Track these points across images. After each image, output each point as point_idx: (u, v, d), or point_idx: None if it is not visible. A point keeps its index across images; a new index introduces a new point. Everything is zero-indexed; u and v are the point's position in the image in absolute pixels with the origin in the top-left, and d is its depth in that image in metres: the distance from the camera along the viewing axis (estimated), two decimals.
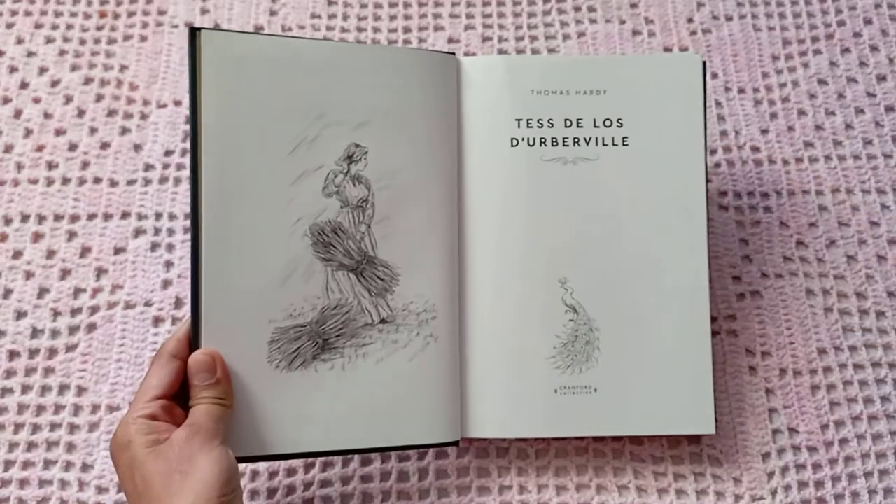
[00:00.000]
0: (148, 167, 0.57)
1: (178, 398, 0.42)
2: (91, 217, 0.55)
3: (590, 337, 0.48)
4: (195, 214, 0.42)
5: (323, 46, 0.47)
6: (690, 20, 0.62)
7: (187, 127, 0.58)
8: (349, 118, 0.46)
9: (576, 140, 0.49)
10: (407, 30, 0.62)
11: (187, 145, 0.57)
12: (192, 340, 0.42)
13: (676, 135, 0.49)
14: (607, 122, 0.49)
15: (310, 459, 0.49)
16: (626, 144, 0.49)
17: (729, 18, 0.62)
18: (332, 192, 0.45)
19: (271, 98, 0.45)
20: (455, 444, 0.47)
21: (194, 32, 0.43)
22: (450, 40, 0.61)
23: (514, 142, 0.49)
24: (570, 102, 0.49)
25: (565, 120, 0.49)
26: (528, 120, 0.49)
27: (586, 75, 0.49)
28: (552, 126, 0.49)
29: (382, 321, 0.46)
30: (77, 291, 0.54)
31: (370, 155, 0.46)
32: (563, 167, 0.49)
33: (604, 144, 0.49)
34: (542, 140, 0.49)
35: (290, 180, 0.45)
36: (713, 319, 0.50)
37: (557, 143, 0.49)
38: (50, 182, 0.56)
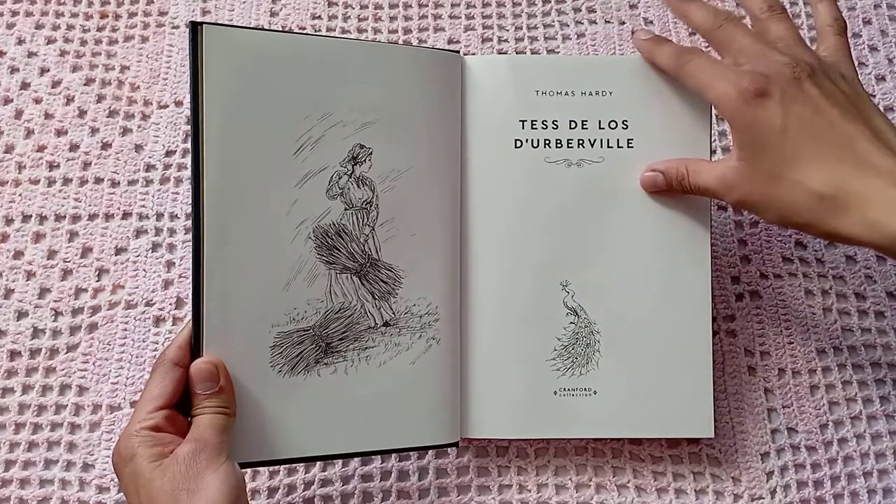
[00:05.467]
0: (149, 167, 0.57)
1: (179, 406, 0.41)
2: (92, 217, 0.55)
3: (590, 339, 0.48)
4: (196, 217, 0.41)
5: (326, 43, 0.46)
6: None
7: (188, 127, 0.58)
8: (354, 118, 0.45)
9: (580, 142, 0.49)
10: (407, 31, 0.62)
11: (188, 146, 0.57)
12: (194, 347, 0.41)
13: (681, 137, 0.48)
14: (612, 124, 0.49)
15: None
16: (631, 147, 0.49)
17: None
18: (337, 193, 0.45)
19: (275, 96, 0.43)
20: (455, 444, 0.47)
21: (196, 27, 0.41)
22: (450, 41, 0.61)
23: (518, 143, 0.49)
24: (574, 104, 0.49)
25: (570, 121, 0.49)
26: (532, 121, 0.49)
27: (592, 76, 0.49)
28: (556, 128, 0.49)
29: (385, 324, 0.46)
30: (78, 291, 0.54)
31: (374, 156, 0.46)
32: (567, 169, 0.49)
33: (608, 146, 0.49)
34: (547, 142, 0.49)
35: (295, 182, 0.44)
36: (712, 319, 0.50)
37: (562, 145, 0.49)
38: (51, 182, 0.56)
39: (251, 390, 0.42)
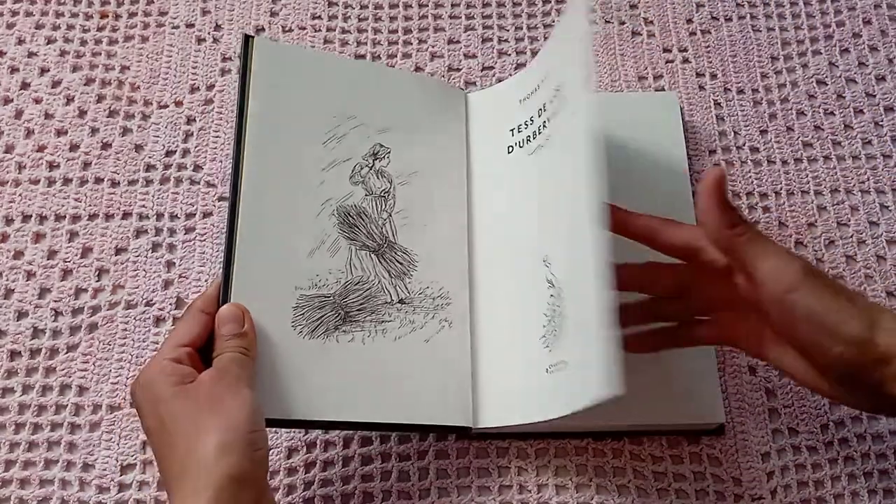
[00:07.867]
0: (149, 167, 0.57)
1: (202, 353, 0.42)
2: (92, 217, 0.55)
3: (561, 308, 0.47)
4: (235, 182, 0.45)
5: (356, 64, 0.57)
6: (689, 21, 0.62)
7: (188, 127, 0.58)
8: (375, 123, 0.51)
9: (545, 123, 0.49)
10: (407, 31, 0.62)
11: (188, 146, 0.57)
12: (221, 299, 0.43)
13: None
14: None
15: (310, 457, 0.49)
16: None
17: (728, 19, 0.62)
18: (358, 181, 0.50)
19: (309, 98, 0.49)
20: (467, 429, 0.47)
21: (247, 39, 0.48)
22: (450, 41, 0.61)
23: (510, 149, 0.51)
24: (540, 95, 0.50)
25: (538, 109, 0.49)
26: (518, 126, 0.51)
27: (551, 71, 0.50)
28: (532, 122, 0.50)
29: (401, 301, 0.48)
30: (78, 291, 0.54)
31: (392, 155, 0.51)
32: (548, 152, 0.48)
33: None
34: (528, 138, 0.50)
35: (323, 166, 0.49)
36: None
37: (539, 134, 0.49)
38: (51, 182, 0.56)
39: (271, 346, 0.44)
